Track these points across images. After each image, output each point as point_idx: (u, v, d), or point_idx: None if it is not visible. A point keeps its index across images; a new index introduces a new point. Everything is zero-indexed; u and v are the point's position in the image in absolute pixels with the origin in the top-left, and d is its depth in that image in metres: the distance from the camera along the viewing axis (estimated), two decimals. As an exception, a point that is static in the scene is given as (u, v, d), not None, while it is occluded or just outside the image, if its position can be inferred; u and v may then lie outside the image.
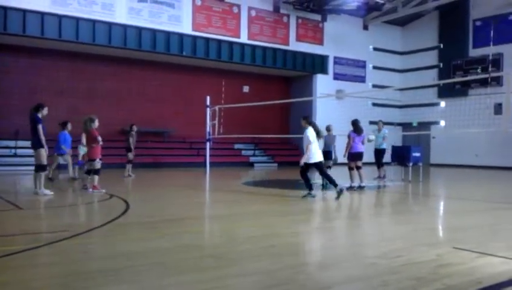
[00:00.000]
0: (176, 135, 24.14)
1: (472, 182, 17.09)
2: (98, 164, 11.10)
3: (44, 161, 10.46)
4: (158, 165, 21.31)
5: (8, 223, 7.44)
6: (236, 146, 25.61)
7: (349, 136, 12.52)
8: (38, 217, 7.76)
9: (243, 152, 25.61)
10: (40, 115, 10.46)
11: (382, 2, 25.60)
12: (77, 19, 19.60)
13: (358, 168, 12.42)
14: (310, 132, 10.31)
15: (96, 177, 11.02)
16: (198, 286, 4.06)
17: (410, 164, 15.27)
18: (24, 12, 18.49)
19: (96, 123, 11.22)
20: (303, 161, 10.37)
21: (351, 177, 12.41)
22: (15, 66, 20.46)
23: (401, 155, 15.68)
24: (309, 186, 10.54)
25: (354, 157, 12.50)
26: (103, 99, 22.19)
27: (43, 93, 20.77)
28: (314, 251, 5.74)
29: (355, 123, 12.64)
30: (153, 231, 6.64)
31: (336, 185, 10.28)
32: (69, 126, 14.37)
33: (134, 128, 16.26)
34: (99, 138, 10.97)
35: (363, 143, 12.67)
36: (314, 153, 10.33)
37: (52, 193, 10.39)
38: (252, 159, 25.14)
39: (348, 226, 7.73)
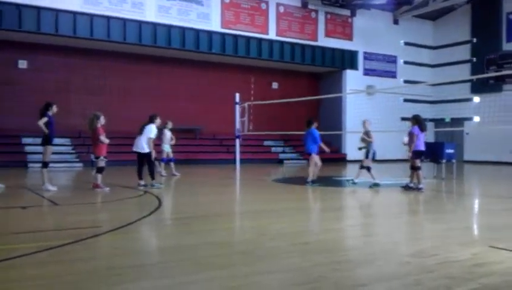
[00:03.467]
0: (206, 132, 24.28)
1: (507, 180, 16.65)
2: (102, 162, 10.89)
3: (49, 158, 10.72)
4: (189, 162, 21.47)
5: (44, 218, 7.62)
6: (266, 143, 25.61)
7: (413, 133, 11.33)
8: (73, 213, 7.90)
9: (273, 149, 25.58)
10: (50, 113, 10.64)
11: (413, -5, 25.18)
12: (108, 18, 19.91)
13: (418, 168, 11.32)
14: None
15: (99, 176, 10.84)
16: (229, 282, 4.07)
17: (443, 161, 14.98)
18: (57, 12, 18.88)
19: (102, 120, 10.96)
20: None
21: (417, 177, 11.29)
22: (48, 65, 20.92)
23: (433, 152, 15.36)
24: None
25: (418, 155, 11.43)
26: (134, 97, 22.49)
27: (75, 92, 21.27)
28: (346, 248, 5.68)
29: (419, 119, 11.57)
30: (184, 228, 6.69)
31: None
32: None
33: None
34: (102, 138, 10.70)
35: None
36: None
37: (55, 188, 10.57)
38: (281, 156, 25.09)
39: (381, 223, 7.63)
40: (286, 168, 20.86)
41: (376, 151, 12.34)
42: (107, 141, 10.85)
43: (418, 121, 11.48)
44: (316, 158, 12.74)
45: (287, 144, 26.16)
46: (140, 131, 11.69)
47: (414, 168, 11.39)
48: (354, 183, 12.22)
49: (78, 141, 20.34)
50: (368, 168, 12.06)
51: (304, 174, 17.10)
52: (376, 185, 11.81)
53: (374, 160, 12.45)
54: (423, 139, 11.51)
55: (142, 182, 11.37)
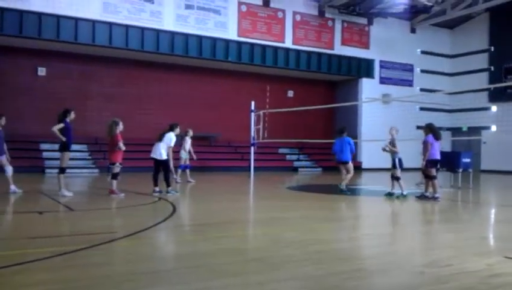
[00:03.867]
0: (221, 139, 24.37)
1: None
2: (117, 168, 10.98)
3: (66, 164, 10.88)
4: (204, 169, 21.55)
5: (60, 224, 7.71)
6: (281, 150, 25.60)
7: (427, 142, 11.20)
8: (88, 219, 7.99)
9: (287, 157, 25.56)
10: (68, 120, 10.77)
11: (430, 4, 25.05)
12: (127, 26, 20.16)
13: (434, 177, 11.21)
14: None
15: (114, 182, 10.92)
16: (243, 290, 4.09)
17: (460, 170, 14.84)
18: (76, 20, 19.17)
19: (121, 126, 11.02)
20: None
21: (433, 186, 11.18)
22: (67, 73, 21.23)
23: (450, 161, 15.24)
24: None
25: (434, 164, 11.30)
26: (150, 104, 22.69)
27: (93, 99, 21.54)
28: (360, 257, 5.66)
29: (433, 127, 11.46)
30: (198, 234, 6.72)
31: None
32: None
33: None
34: (121, 144, 10.79)
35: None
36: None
37: (71, 193, 10.69)
38: (296, 163, 25.06)
39: (396, 233, 7.59)
40: (300, 175, 20.81)
41: (402, 159, 11.73)
42: (124, 147, 10.94)
43: (432, 130, 11.39)
44: (351, 166, 12.60)
45: (301, 151, 26.13)
46: (160, 138, 11.75)
47: (429, 177, 11.28)
48: (404, 195, 11.43)
49: (94, 148, 20.55)
50: (397, 179, 11.59)
51: (319, 182, 17.06)
52: (404, 196, 11.38)
53: (402, 169, 11.83)
54: (438, 148, 11.36)
55: (157, 189, 11.45)
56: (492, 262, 5.13)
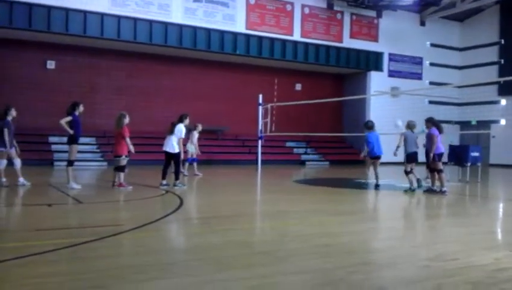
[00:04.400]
0: (229, 133, 24.39)
1: (535, 184, 16.31)
2: (124, 161, 11.06)
3: (74, 157, 10.94)
4: (212, 162, 21.60)
5: (68, 216, 7.77)
6: (288, 144, 25.58)
7: (433, 135, 11.15)
8: (96, 211, 8.05)
9: (295, 150, 25.55)
10: (77, 113, 10.83)
11: (440, -4, 24.84)
12: (135, 19, 20.18)
13: (440, 171, 11.22)
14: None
15: (121, 174, 11.01)
16: (249, 282, 4.11)
17: (468, 164, 14.76)
18: (85, 13, 19.22)
19: (128, 119, 11.14)
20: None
21: (440, 180, 11.16)
22: (76, 66, 21.32)
23: (458, 155, 15.18)
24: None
25: (440, 157, 11.23)
26: (159, 97, 22.74)
27: (101, 92, 21.62)
28: (366, 251, 5.66)
29: (435, 121, 11.47)
30: (205, 227, 6.76)
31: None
32: None
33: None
34: (128, 139, 10.90)
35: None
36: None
37: (79, 186, 10.74)
38: (303, 157, 25.04)
39: (402, 227, 7.58)
40: (307, 169, 20.80)
41: (414, 153, 11.59)
42: (131, 147, 11.04)
43: (434, 123, 11.40)
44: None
45: (309, 145, 26.10)
46: (171, 130, 11.75)
47: (436, 171, 11.23)
48: (412, 190, 11.38)
49: (103, 140, 20.66)
50: (407, 173, 11.46)
51: (326, 176, 17.05)
52: (412, 190, 11.33)
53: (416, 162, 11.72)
54: (441, 141, 11.35)
55: (164, 182, 11.50)
56: (500, 256, 5.12)
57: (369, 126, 12.40)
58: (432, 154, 11.11)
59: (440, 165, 11.20)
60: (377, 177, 12.18)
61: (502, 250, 5.56)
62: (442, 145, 11.39)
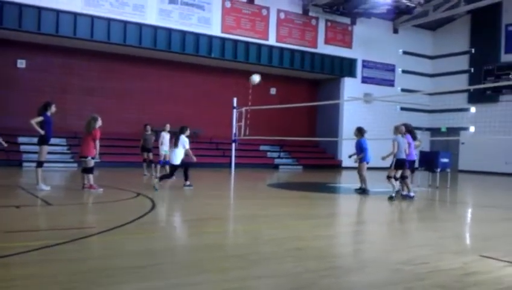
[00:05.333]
0: (202, 136, 24.27)
1: (501, 190, 16.71)
2: (91, 162, 10.94)
3: (44, 158, 10.79)
4: (185, 165, 21.44)
5: (37, 218, 7.62)
6: (262, 148, 25.63)
7: (405, 142, 11.28)
8: (66, 213, 7.91)
9: (268, 154, 25.61)
10: (48, 113, 10.66)
11: (413, 5, 25.28)
12: (109, 20, 19.93)
13: (405, 177, 11.35)
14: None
15: (90, 176, 10.89)
16: (222, 285, 4.09)
17: (438, 170, 15.03)
18: (57, 12, 18.89)
19: (100, 122, 11.05)
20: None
21: (407, 186, 11.34)
22: (47, 65, 20.94)
23: (429, 161, 15.45)
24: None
25: (410, 165, 11.50)
26: (132, 99, 22.52)
27: (73, 93, 21.29)
28: (338, 255, 5.71)
29: (409, 127, 11.59)
30: (177, 230, 6.71)
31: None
32: None
33: (148, 128, 16.46)
34: (98, 143, 10.90)
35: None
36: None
37: (49, 188, 10.59)
38: (276, 161, 25.12)
39: (373, 231, 7.66)
40: (281, 173, 20.87)
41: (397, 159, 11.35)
42: (96, 153, 11.00)
43: (409, 130, 11.59)
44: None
45: (282, 149, 26.19)
46: (176, 143, 12.41)
47: (401, 177, 11.35)
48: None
49: (73, 142, 20.29)
50: (390, 178, 11.29)
51: (300, 180, 17.12)
52: (394, 196, 11.13)
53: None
54: (413, 148, 11.56)
55: (188, 182, 12.44)
56: (468, 261, 5.22)
57: (363, 132, 12.55)
58: (394, 160, 11.06)
59: (406, 172, 11.37)
60: (365, 182, 12.36)
61: (470, 254, 5.66)
62: (414, 151, 11.47)
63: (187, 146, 12.40)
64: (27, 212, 7.87)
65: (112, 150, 19.49)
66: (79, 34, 19.43)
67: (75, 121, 19.55)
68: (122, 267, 4.50)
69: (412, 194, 11.24)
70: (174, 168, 12.38)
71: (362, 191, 12.29)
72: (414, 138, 11.52)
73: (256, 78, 17.34)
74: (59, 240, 5.41)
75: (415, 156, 11.58)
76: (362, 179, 12.43)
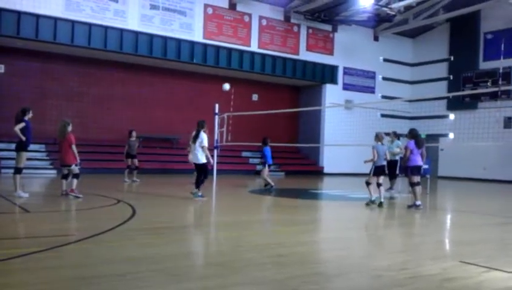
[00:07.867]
0: (184, 142, 24.10)
1: (480, 196, 16.95)
2: (76, 169, 10.90)
3: (22, 164, 10.64)
4: (166, 171, 21.34)
5: (15, 226, 7.49)
6: (244, 154, 25.60)
7: (406, 148, 11.10)
8: (45, 221, 7.79)
9: (250, 160, 25.59)
10: (27, 119, 10.56)
11: (393, 13, 25.56)
12: (90, 25, 19.74)
13: (414, 184, 11.10)
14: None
15: (75, 181, 10.79)
16: (203, 294, 4.06)
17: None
18: (37, 17, 18.66)
19: (71, 127, 10.96)
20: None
21: (415, 194, 11.07)
22: (27, 70, 20.65)
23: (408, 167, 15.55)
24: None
25: (415, 171, 11.21)
26: (113, 104, 22.31)
27: (52, 98, 21.00)
28: (319, 261, 5.72)
29: (415, 133, 11.26)
30: (159, 237, 6.65)
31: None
32: None
33: (134, 134, 16.50)
34: (75, 148, 10.74)
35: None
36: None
37: (27, 194, 10.43)
38: (258, 167, 25.07)
39: (354, 237, 7.69)
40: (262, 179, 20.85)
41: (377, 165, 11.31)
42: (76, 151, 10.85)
43: (413, 136, 11.20)
44: None
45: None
46: (194, 140, 11.48)
47: (410, 184, 11.17)
48: (372, 201, 11.13)
49: (52, 148, 19.97)
50: (368, 184, 11.28)
51: (281, 186, 17.15)
52: (372, 202, 11.12)
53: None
54: (418, 154, 11.14)
55: (198, 191, 11.38)
56: (448, 266, 5.27)
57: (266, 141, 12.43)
58: (405, 167, 10.99)
59: (414, 179, 11.13)
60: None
61: (450, 260, 5.72)
62: (419, 158, 11.20)
63: (204, 144, 11.30)
64: (5, 220, 7.73)
65: (92, 156, 19.27)
66: (59, 38, 19.20)
67: (54, 127, 18.93)
68: (103, 276, 4.45)
69: (418, 202, 10.95)
70: (200, 167, 11.45)
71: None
72: (419, 145, 11.07)
73: (226, 86, 17.48)
74: (37, 248, 5.33)
75: (420, 161, 11.22)
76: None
